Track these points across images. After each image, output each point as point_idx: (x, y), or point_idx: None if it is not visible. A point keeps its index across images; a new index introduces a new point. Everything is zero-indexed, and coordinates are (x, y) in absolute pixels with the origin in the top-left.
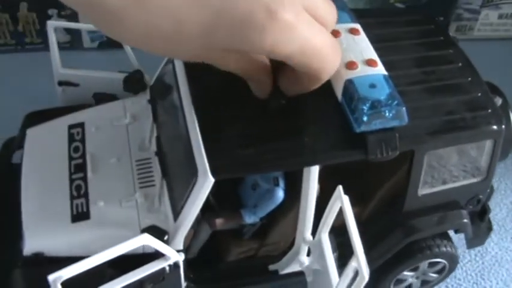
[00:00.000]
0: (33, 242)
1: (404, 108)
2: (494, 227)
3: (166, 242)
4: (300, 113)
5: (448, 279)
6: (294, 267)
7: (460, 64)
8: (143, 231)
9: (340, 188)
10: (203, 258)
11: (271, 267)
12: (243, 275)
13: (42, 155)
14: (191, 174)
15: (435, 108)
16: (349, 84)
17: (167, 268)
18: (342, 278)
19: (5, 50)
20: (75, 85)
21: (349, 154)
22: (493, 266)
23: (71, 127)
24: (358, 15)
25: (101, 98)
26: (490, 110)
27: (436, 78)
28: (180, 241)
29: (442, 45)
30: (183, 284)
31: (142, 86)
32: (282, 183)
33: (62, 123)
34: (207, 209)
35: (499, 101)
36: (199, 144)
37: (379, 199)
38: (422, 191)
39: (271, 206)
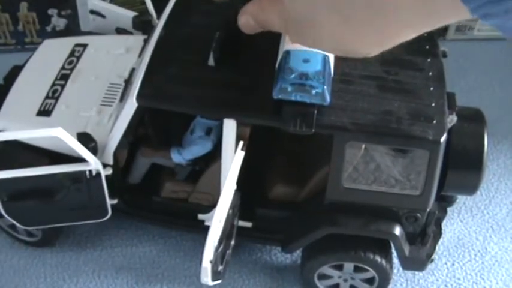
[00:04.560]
0: (1, 121)
1: (326, 88)
2: (494, 226)
3: (93, 151)
4: (243, 71)
5: (447, 279)
6: None
7: (430, 73)
8: (77, 135)
9: (241, 143)
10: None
11: (201, 216)
12: (172, 214)
13: (43, 61)
14: (126, 98)
15: (376, 105)
16: (286, 54)
17: (87, 173)
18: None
19: (5, 50)
20: (103, 16)
21: (265, 118)
22: (492, 266)
23: (76, 45)
24: None
25: (121, 32)
26: (435, 122)
27: (394, 79)
28: (108, 155)
29: (422, 52)
30: (107, 197)
31: (149, 26)
32: (213, 136)
33: (71, 41)
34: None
35: (454, 118)
36: (141, 74)
37: (315, 184)
38: (348, 184)
39: (196, 152)
